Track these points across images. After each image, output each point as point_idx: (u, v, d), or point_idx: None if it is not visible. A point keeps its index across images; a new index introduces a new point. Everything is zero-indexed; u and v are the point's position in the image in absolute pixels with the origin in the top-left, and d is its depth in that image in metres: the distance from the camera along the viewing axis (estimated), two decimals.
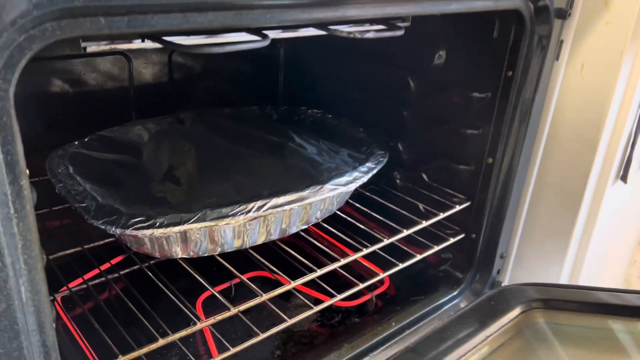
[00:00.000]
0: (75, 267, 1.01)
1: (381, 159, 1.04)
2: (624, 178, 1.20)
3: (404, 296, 1.19)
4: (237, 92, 1.42)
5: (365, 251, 1.01)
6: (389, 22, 0.88)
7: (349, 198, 1.14)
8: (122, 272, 0.97)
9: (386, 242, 1.03)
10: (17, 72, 0.44)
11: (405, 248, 1.11)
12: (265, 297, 0.84)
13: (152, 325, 0.85)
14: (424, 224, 1.08)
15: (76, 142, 0.99)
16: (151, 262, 0.98)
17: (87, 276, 0.99)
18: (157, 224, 0.76)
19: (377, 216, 1.13)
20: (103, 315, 0.90)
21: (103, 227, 0.76)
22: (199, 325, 0.78)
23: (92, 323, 0.85)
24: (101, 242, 0.97)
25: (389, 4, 0.70)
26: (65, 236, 1.05)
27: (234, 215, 0.80)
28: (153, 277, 0.94)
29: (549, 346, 0.96)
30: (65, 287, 0.95)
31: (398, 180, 1.28)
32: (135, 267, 0.99)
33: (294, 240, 1.12)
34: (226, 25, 0.56)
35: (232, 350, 0.84)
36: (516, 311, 0.94)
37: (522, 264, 1.23)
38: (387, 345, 1.00)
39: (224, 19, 0.55)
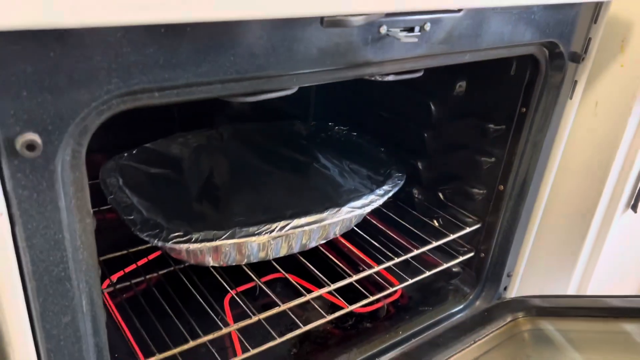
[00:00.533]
0: (117, 262, 1.15)
1: (398, 182, 1.13)
2: (634, 207, 1.25)
3: (414, 305, 1.28)
4: (272, 105, 1.52)
5: (378, 267, 1.11)
6: None
7: (369, 213, 1.24)
8: (159, 272, 1.09)
9: (397, 260, 1.12)
10: (89, 137, 0.55)
11: (415, 263, 1.21)
12: (284, 306, 0.95)
13: (184, 322, 0.98)
14: (434, 243, 1.17)
15: (125, 154, 1.11)
16: (185, 264, 1.10)
17: (127, 269, 1.13)
18: (193, 239, 0.87)
19: (391, 233, 1.22)
20: (140, 308, 1.03)
21: (147, 239, 0.88)
22: (224, 330, 0.89)
23: (130, 315, 0.99)
24: (143, 247, 1.09)
25: (406, 61, 0.78)
26: (109, 231, 1.18)
27: (259, 234, 0.91)
28: (185, 279, 1.06)
29: (544, 350, 1.03)
30: (108, 281, 1.09)
31: (416, 198, 1.37)
32: (170, 268, 1.11)
33: (315, 248, 1.23)
34: (258, 89, 0.66)
35: (252, 352, 0.96)
36: (507, 318, 1.02)
37: (528, 283, 1.31)
38: (392, 352, 1.10)
39: (257, 85, 0.65)
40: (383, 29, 0.69)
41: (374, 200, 1.05)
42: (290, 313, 1.03)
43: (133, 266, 1.12)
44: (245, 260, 0.99)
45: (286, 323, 1.15)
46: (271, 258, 1.01)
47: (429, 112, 1.28)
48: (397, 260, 1.13)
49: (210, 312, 1.00)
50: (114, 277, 1.10)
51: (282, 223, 0.92)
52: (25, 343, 0.58)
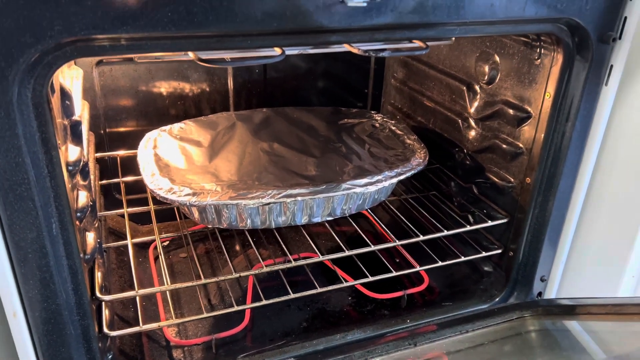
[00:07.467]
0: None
1: (415, 167, 1.11)
2: None
3: (440, 300, 1.24)
4: (333, 96, 1.58)
5: (395, 243, 1.14)
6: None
7: (407, 200, 1.32)
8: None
9: (416, 239, 1.15)
10: (49, 78, 0.66)
11: (433, 255, 1.18)
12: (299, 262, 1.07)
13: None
14: (445, 232, 1.15)
15: (169, 127, 1.24)
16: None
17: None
18: (177, 194, 0.97)
19: (425, 222, 1.25)
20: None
21: (152, 190, 0.99)
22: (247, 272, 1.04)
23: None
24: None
25: (375, 32, 0.79)
26: None
27: (251, 198, 0.97)
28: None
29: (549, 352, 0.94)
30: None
31: (453, 190, 1.32)
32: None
33: (356, 228, 1.25)
34: (208, 49, 0.72)
35: (264, 302, 1.03)
36: (513, 315, 0.96)
37: (568, 294, 1.20)
38: (389, 335, 1.08)
39: (207, 44, 0.71)
40: None
41: (380, 180, 1.05)
42: (310, 274, 1.12)
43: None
44: (249, 225, 1.04)
45: (305, 300, 1.21)
46: (273, 227, 1.05)
47: (465, 102, 1.24)
48: (416, 239, 1.15)
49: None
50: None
51: (275, 192, 0.98)
52: None
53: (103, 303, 0.93)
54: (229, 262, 1.16)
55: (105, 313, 0.93)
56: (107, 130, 1.36)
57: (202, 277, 0.99)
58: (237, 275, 0.97)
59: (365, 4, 0.72)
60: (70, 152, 0.82)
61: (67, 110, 0.86)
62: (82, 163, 0.83)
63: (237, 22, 0.69)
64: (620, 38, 0.94)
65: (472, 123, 1.23)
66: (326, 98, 1.56)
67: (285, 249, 1.19)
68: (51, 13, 0.61)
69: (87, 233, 0.89)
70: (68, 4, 0.61)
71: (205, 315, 0.98)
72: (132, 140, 1.35)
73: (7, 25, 0.60)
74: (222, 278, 0.97)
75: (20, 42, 0.61)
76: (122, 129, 1.38)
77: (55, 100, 0.75)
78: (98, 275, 0.92)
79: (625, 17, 0.92)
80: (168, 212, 1.30)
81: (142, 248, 1.34)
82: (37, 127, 0.68)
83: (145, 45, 0.68)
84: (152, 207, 1.17)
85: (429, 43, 0.97)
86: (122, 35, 0.66)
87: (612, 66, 0.97)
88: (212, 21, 0.68)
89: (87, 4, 0.62)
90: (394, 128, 1.29)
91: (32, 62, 0.63)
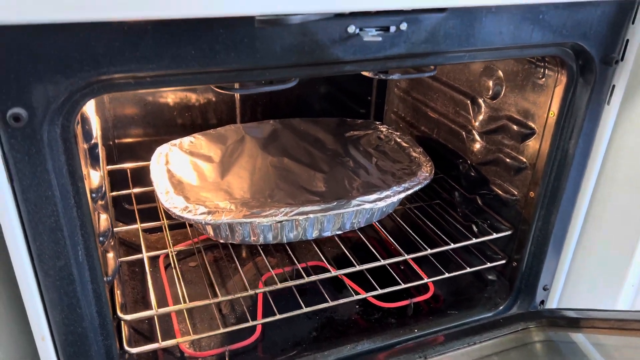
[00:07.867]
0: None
1: (421, 181, 1.14)
2: None
3: (445, 308, 1.28)
4: (336, 104, 1.60)
5: (405, 257, 1.17)
6: None
7: (412, 209, 1.33)
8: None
9: (423, 253, 1.17)
10: (77, 114, 0.68)
11: (438, 265, 1.21)
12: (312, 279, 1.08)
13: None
14: (452, 245, 1.17)
15: (179, 141, 1.26)
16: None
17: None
18: (192, 212, 0.99)
19: (430, 232, 1.27)
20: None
21: (168, 210, 1.01)
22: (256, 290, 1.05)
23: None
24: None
25: (387, 61, 0.81)
26: None
27: (265, 216, 0.99)
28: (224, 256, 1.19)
29: None
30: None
31: (457, 201, 1.36)
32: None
33: (360, 236, 1.28)
34: (228, 81, 0.74)
35: (278, 316, 1.06)
36: (517, 326, 0.99)
37: (570, 299, 1.24)
38: (398, 345, 1.11)
39: (226, 78, 0.74)
40: (351, 29, 0.74)
41: (389, 196, 1.08)
42: (321, 288, 1.13)
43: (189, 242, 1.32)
44: (261, 240, 1.07)
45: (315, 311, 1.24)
46: (285, 242, 1.08)
47: (469, 115, 1.27)
48: (425, 253, 1.17)
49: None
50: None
51: (288, 209, 1.00)
52: (26, 276, 0.73)
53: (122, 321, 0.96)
54: (240, 271, 1.18)
55: (125, 330, 0.96)
56: (115, 141, 1.38)
57: (217, 292, 1.02)
58: (253, 292, 1.00)
59: (380, 38, 0.74)
60: (93, 179, 0.84)
61: (87, 135, 0.88)
62: (103, 189, 0.85)
63: (257, 57, 0.71)
64: (622, 60, 0.97)
65: (476, 136, 1.26)
66: (330, 105, 1.59)
67: (293, 257, 1.22)
68: (81, 55, 0.63)
69: (107, 254, 0.91)
70: (97, 46, 0.63)
71: (221, 330, 1.01)
72: (140, 150, 1.37)
73: (40, 68, 0.62)
74: (238, 295, 1.00)
75: (52, 82, 0.63)
76: (130, 140, 1.40)
77: (79, 131, 0.77)
78: (117, 293, 0.95)
79: (627, 40, 0.95)
80: (178, 222, 1.32)
81: (152, 257, 1.36)
82: (65, 160, 0.70)
83: (168, 81, 0.71)
84: (165, 222, 1.20)
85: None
86: (146, 74, 0.68)
87: (614, 86, 1.00)
88: (234, 57, 0.70)
89: (115, 45, 0.64)
90: (399, 140, 1.32)
91: (62, 101, 0.65)
